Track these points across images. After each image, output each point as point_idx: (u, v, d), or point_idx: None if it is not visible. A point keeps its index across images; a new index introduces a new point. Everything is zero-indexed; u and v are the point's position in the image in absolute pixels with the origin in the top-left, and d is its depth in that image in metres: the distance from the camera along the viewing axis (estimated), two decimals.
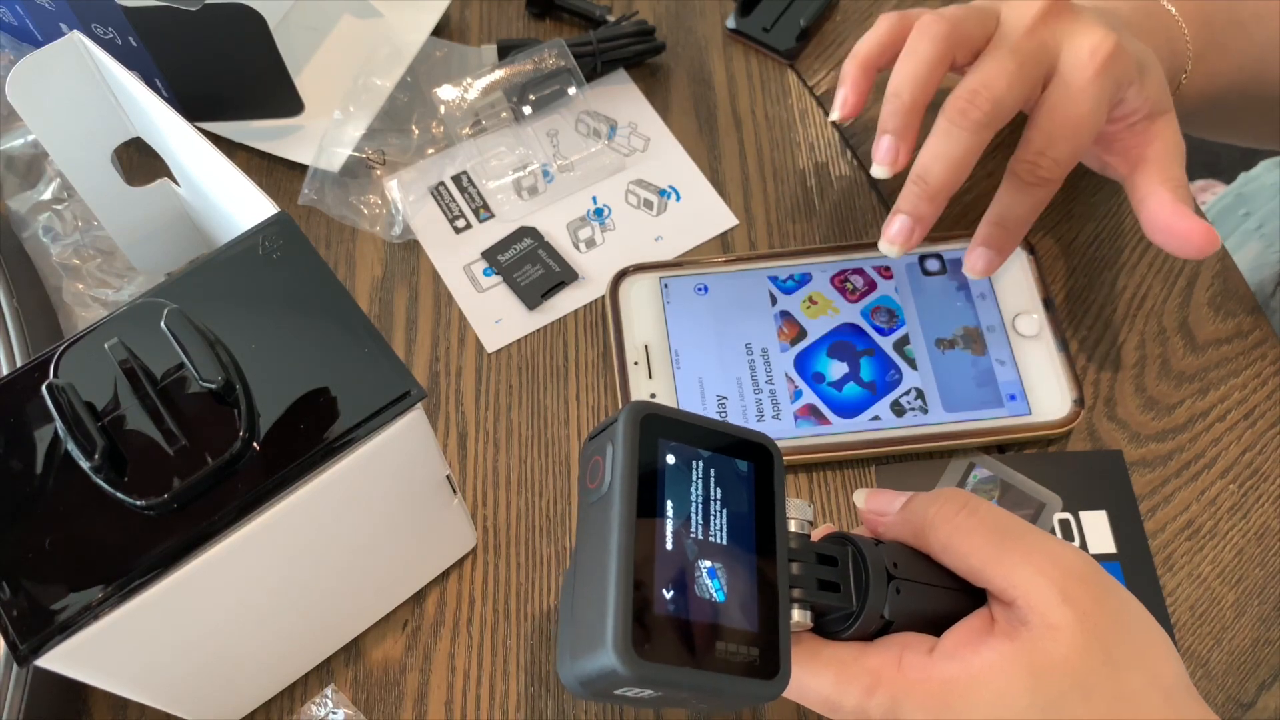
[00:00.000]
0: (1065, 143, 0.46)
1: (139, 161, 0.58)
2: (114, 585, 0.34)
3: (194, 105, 0.58)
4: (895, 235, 0.47)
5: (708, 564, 0.31)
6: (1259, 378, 0.53)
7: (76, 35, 0.46)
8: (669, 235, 0.58)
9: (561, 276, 0.56)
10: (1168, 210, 0.47)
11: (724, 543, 0.32)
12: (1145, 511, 0.50)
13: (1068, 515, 0.49)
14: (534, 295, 0.56)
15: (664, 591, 0.30)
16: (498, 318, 0.56)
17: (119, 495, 0.35)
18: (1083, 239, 0.57)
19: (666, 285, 0.55)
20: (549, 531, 0.50)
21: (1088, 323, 0.55)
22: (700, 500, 0.32)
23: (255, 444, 0.36)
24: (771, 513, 0.34)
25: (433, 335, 0.56)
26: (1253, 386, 0.53)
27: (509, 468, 0.52)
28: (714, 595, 0.31)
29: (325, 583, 0.43)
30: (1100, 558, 0.48)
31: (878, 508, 0.38)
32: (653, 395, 0.52)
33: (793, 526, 0.34)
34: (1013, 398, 0.51)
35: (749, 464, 0.34)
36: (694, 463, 0.33)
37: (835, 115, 0.50)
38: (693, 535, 0.32)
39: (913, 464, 0.51)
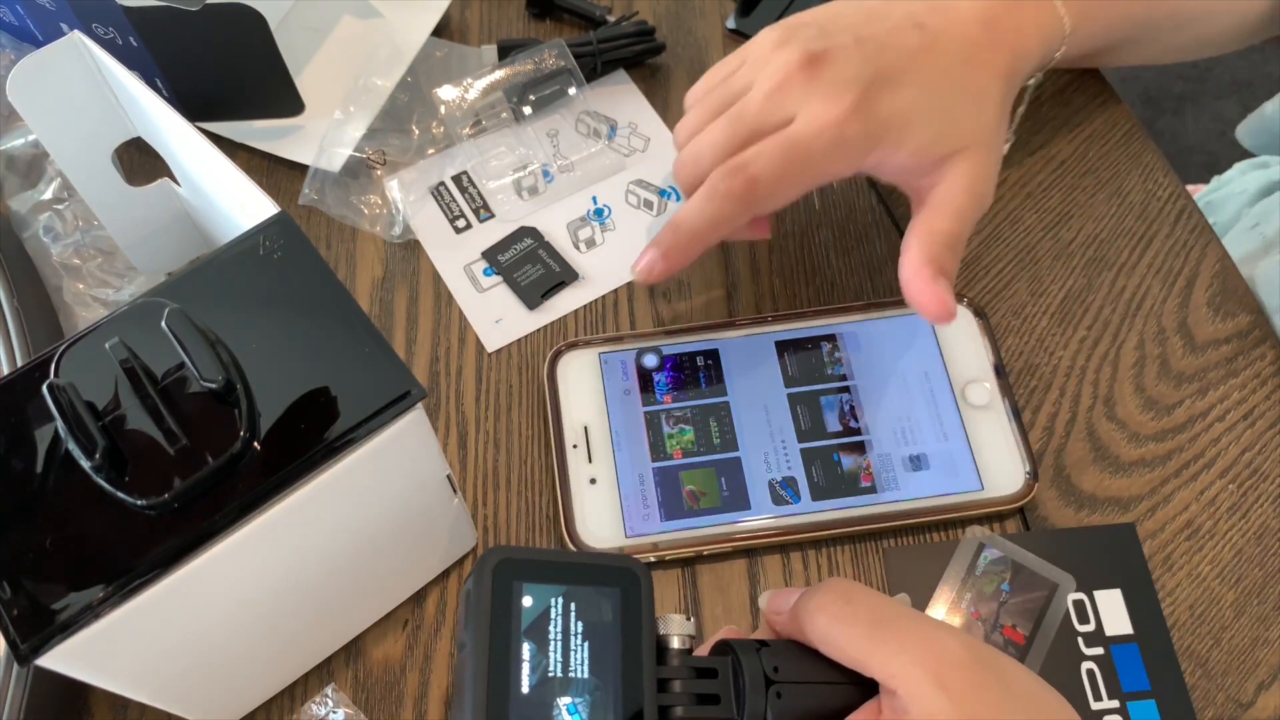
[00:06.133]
0: (768, 163, 0.45)
1: (139, 161, 0.58)
2: (114, 585, 0.34)
3: (194, 105, 0.58)
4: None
5: (567, 700, 0.33)
6: (1258, 378, 0.53)
7: (77, 35, 0.46)
8: None
9: (562, 276, 0.57)
10: (909, 269, 0.46)
11: (586, 676, 0.33)
12: (1145, 511, 0.50)
13: (1082, 595, 0.47)
14: (534, 295, 0.56)
15: None
16: (498, 318, 0.56)
17: (120, 495, 0.35)
18: (1081, 239, 0.57)
19: (605, 361, 0.53)
20: (549, 531, 0.50)
21: (1086, 323, 0.55)
22: (559, 638, 0.33)
23: (255, 444, 0.36)
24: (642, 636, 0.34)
25: (433, 335, 0.56)
26: (1252, 386, 0.53)
27: (509, 468, 0.52)
28: None
29: (326, 582, 0.43)
30: (1117, 639, 0.47)
31: (776, 607, 0.38)
32: (593, 480, 0.50)
33: (675, 643, 0.35)
34: (963, 472, 0.50)
35: (616, 590, 0.34)
36: (554, 600, 0.34)
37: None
38: (552, 674, 0.33)
39: (923, 546, 0.49)
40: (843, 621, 0.35)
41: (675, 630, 0.35)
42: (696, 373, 0.53)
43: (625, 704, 0.33)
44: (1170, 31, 0.56)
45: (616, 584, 0.34)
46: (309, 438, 0.37)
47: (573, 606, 0.34)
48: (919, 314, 0.47)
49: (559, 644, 0.33)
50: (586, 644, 0.33)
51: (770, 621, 0.38)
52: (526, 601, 0.33)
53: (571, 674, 0.33)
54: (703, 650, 0.37)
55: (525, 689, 0.32)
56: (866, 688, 0.35)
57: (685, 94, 0.52)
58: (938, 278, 0.46)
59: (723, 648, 0.36)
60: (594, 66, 0.62)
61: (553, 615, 0.33)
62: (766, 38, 0.49)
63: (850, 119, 0.45)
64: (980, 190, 0.47)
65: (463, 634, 0.34)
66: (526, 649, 0.33)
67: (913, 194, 0.49)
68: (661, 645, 0.35)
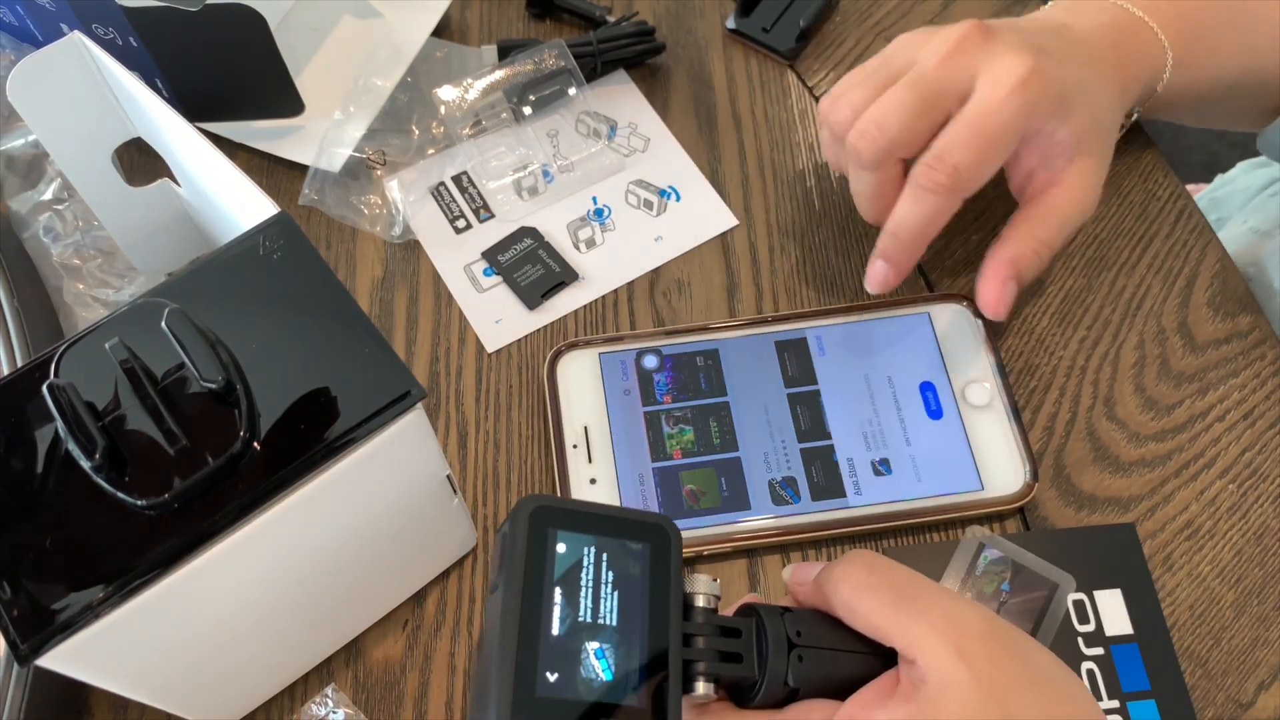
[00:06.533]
0: (964, 149, 0.46)
1: (139, 161, 0.58)
2: (114, 585, 0.34)
3: (194, 105, 0.58)
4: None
5: (595, 646, 0.33)
6: (1258, 378, 0.53)
7: (77, 35, 0.46)
8: (669, 235, 0.58)
9: (561, 277, 0.57)
10: (994, 259, 0.50)
11: (614, 625, 0.34)
12: (1145, 511, 0.50)
13: (1082, 596, 0.47)
14: (534, 295, 0.56)
15: (548, 675, 0.32)
16: (498, 318, 0.56)
17: (120, 495, 0.35)
18: (1081, 239, 0.57)
19: (605, 361, 0.53)
20: None
21: (1086, 323, 0.55)
22: (590, 585, 0.34)
23: (255, 444, 0.36)
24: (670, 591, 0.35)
25: (433, 335, 0.56)
26: (1252, 387, 0.53)
27: (509, 468, 0.52)
28: (601, 675, 0.33)
29: (325, 582, 0.43)
30: (1117, 639, 0.47)
31: (799, 578, 0.39)
32: (592, 480, 0.50)
33: (700, 602, 0.36)
34: (963, 472, 0.50)
35: (646, 545, 0.35)
36: (586, 550, 0.34)
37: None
38: (582, 620, 0.33)
39: (923, 546, 0.49)
40: (865, 590, 0.35)
41: (702, 589, 0.36)
42: (696, 373, 0.53)
43: (651, 654, 0.34)
44: (1275, 85, 0.57)
45: (647, 539, 0.35)
46: (309, 438, 0.37)
47: (605, 557, 0.34)
48: (977, 298, 0.50)
49: (590, 592, 0.34)
50: (616, 594, 0.34)
51: (793, 592, 0.39)
52: (560, 548, 0.34)
53: (600, 621, 0.34)
54: (727, 612, 0.38)
55: (556, 632, 0.33)
56: (887, 658, 0.36)
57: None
58: (1009, 281, 0.50)
59: (747, 611, 0.37)
60: (594, 66, 0.62)
61: (585, 564, 0.34)
62: (909, 32, 0.51)
63: (1034, 77, 0.46)
64: (1085, 203, 0.50)
65: (496, 576, 0.34)
66: (558, 594, 0.33)
67: (1026, 189, 0.51)
68: (687, 603, 0.36)
